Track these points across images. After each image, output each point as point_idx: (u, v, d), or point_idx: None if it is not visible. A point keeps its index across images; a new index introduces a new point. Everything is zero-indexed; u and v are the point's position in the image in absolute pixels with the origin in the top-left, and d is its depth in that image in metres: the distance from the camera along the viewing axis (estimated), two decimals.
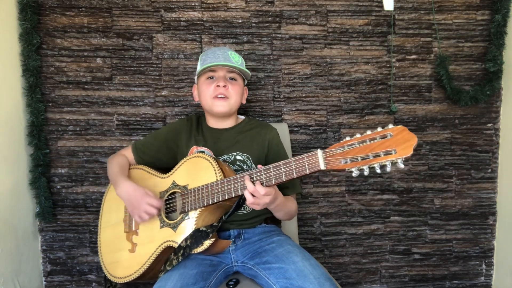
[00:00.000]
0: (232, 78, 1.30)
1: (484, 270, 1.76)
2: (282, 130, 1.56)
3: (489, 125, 1.70)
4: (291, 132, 1.64)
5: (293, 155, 1.62)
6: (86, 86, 1.59)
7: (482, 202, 1.73)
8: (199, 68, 1.31)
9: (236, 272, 1.22)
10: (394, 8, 1.61)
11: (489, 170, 1.72)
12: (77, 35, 1.56)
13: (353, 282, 1.74)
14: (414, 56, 1.65)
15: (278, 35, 1.61)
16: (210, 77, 1.29)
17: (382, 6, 1.61)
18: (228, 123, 1.34)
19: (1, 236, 1.41)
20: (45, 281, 1.65)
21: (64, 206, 1.62)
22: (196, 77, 1.34)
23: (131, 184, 1.19)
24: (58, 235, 1.63)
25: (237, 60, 1.28)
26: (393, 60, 1.65)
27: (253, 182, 1.02)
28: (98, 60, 1.58)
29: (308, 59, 1.63)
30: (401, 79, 1.66)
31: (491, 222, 1.74)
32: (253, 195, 1.02)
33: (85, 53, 1.57)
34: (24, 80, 1.52)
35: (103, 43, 1.57)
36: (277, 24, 1.60)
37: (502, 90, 1.68)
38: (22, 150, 1.54)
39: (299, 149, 1.66)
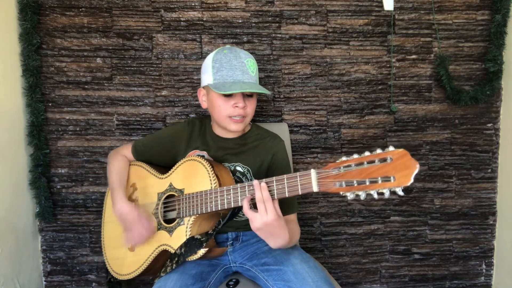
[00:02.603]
0: (249, 95, 1.20)
1: (484, 270, 1.76)
2: (282, 130, 1.56)
3: (489, 125, 1.70)
4: (291, 132, 1.64)
5: (293, 156, 1.63)
6: (86, 86, 1.59)
7: (482, 202, 1.73)
8: (211, 78, 1.17)
9: (236, 272, 1.22)
10: (394, 8, 1.61)
11: (489, 170, 1.72)
12: (77, 35, 1.56)
13: (353, 282, 1.74)
14: (414, 56, 1.65)
15: (278, 35, 1.61)
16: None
17: (382, 6, 1.61)
18: (235, 133, 1.26)
19: (1, 236, 1.41)
20: (45, 281, 1.65)
21: (64, 206, 1.62)
22: (203, 82, 1.22)
23: (127, 205, 1.19)
24: (58, 235, 1.63)
25: (253, 70, 1.17)
26: (393, 60, 1.65)
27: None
28: (98, 60, 1.58)
29: (308, 59, 1.63)
30: (401, 79, 1.66)
31: (491, 222, 1.74)
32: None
33: (85, 53, 1.57)
34: (24, 80, 1.52)
35: (103, 43, 1.57)
36: (277, 24, 1.60)
37: (502, 90, 1.68)
38: (22, 150, 1.54)
39: (299, 149, 1.66)
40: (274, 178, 0.95)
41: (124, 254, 1.24)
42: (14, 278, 1.46)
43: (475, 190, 1.73)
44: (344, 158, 0.84)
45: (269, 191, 0.95)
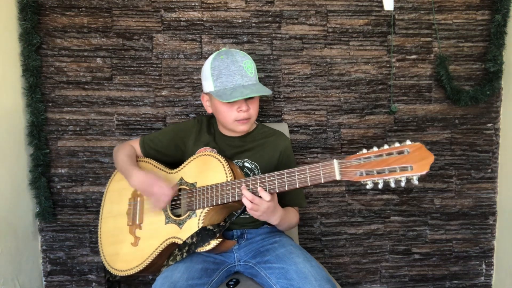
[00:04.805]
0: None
1: (484, 270, 1.76)
2: (282, 130, 1.55)
3: (489, 125, 1.70)
4: (291, 132, 1.64)
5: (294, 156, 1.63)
6: (86, 86, 1.59)
7: (482, 202, 1.73)
8: (212, 85, 1.19)
9: (237, 272, 1.23)
10: (394, 8, 1.61)
11: (489, 170, 1.72)
12: (77, 35, 1.56)
13: (353, 282, 1.74)
14: (414, 56, 1.65)
15: (278, 35, 1.61)
16: None
17: (382, 6, 1.61)
18: (242, 133, 1.28)
19: (1, 236, 1.41)
20: (45, 281, 1.65)
21: (64, 206, 1.62)
22: (205, 89, 1.25)
23: (142, 172, 1.19)
24: (58, 235, 1.63)
25: (251, 71, 1.20)
26: (393, 60, 1.65)
27: (265, 188, 1.04)
28: (98, 60, 1.58)
29: (308, 59, 1.63)
30: (401, 79, 1.66)
31: (491, 222, 1.74)
32: (251, 202, 1.04)
33: (85, 53, 1.57)
34: (24, 80, 1.52)
35: (103, 43, 1.57)
36: (277, 24, 1.60)
37: (502, 90, 1.68)
38: (22, 150, 1.54)
39: (299, 149, 1.66)
40: (295, 168, 1.01)
41: (125, 250, 1.23)
42: (14, 278, 1.46)
43: (475, 190, 1.73)
44: (364, 151, 0.91)
45: (291, 180, 1.01)
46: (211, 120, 1.36)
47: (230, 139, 1.30)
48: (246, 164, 1.26)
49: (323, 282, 1.00)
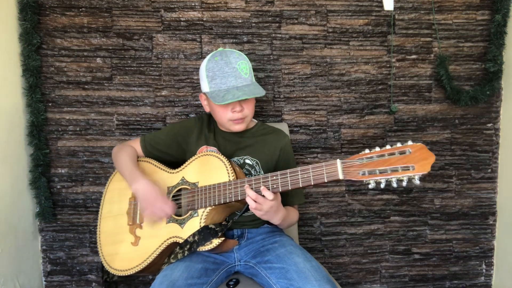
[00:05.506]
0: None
1: (484, 270, 1.76)
2: (282, 130, 1.56)
3: (489, 125, 1.70)
4: (291, 132, 1.64)
5: (294, 155, 1.63)
6: (86, 86, 1.59)
7: (482, 202, 1.73)
8: (207, 86, 1.22)
9: (237, 272, 1.23)
10: (394, 8, 1.61)
11: (489, 170, 1.72)
12: (77, 35, 1.56)
13: (353, 282, 1.74)
14: (414, 56, 1.65)
15: (278, 35, 1.61)
16: None
17: (382, 6, 1.61)
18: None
19: (1, 236, 1.41)
20: (45, 281, 1.65)
21: (64, 206, 1.62)
22: (202, 89, 1.27)
23: (149, 183, 1.18)
24: (58, 235, 1.63)
25: (246, 72, 1.21)
26: (393, 60, 1.65)
27: (268, 187, 1.05)
28: (98, 60, 1.58)
29: (308, 59, 1.63)
30: (401, 79, 1.66)
31: (491, 222, 1.74)
32: (255, 201, 1.05)
33: (85, 53, 1.57)
34: (24, 80, 1.52)
35: (103, 43, 1.57)
36: (277, 24, 1.60)
37: (502, 90, 1.68)
38: (22, 150, 1.54)
39: (299, 149, 1.66)
40: (299, 168, 1.02)
41: (125, 249, 1.22)
42: (14, 278, 1.46)
43: (475, 190, 1.73)
44: (366, 151, 0.93)
45: (294, 179, 1.02)
46: (211, 117, 1.37)
47: (230, 136, 1.31)
48: (247, 161, 1.27)
49: (323, 282, 1.00)
